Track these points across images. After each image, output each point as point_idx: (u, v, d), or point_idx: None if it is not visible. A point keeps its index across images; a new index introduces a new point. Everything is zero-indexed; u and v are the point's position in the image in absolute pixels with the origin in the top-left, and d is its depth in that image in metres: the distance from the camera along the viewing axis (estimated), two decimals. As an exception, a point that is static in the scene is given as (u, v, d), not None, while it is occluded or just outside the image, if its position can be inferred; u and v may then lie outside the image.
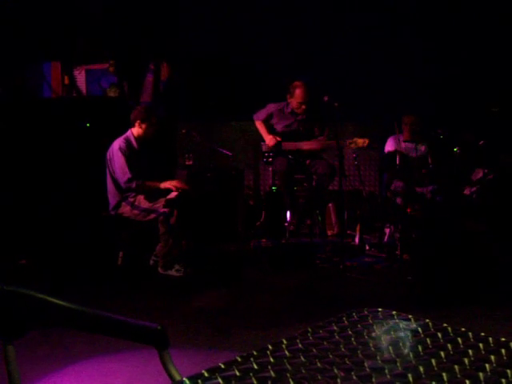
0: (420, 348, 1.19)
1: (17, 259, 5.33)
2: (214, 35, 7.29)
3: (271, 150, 5.98)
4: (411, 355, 1.16)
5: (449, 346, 1.21)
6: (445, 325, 1.32)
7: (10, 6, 6.10)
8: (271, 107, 6.09)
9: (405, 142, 6.12)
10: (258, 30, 7.30)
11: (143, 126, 5.21)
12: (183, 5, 7.17)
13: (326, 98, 5.30)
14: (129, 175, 5.03)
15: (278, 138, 5.92)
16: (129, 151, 5.12)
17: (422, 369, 1.09)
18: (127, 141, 5.17)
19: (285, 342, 1.23)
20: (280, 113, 6.04)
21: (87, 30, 6.61)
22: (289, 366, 1.10)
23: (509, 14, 7.01)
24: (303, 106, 5.91)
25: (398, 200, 5.86)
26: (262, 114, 6.10)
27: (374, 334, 1.28)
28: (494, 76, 7.16)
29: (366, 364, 1.11)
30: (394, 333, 1.29)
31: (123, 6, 6.57)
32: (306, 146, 5.94)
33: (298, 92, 5.88)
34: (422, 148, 6.03)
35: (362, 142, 5.59)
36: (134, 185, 5.04)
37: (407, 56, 7.59)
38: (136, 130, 5.23)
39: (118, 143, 5.14)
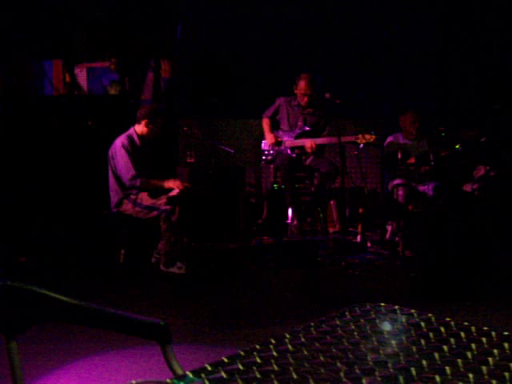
0: (423, 342, 1.19)
1: (16, 257, 5.32)
2: (215, 31, 7.28)
3: (271, 149, 6.03)
4: (414, 349, 1.16)
5: (452, 340, 1.21)
6: (448, 319, 1.32)
7: (12, 3, 6.09)
8: (279, 99, 6.19)
9: (404, 139, 6.13)
10: (260, 26, 7.29)
11: (150, 126, 5.20)
12: (184, 1, 7.16)
13: (328, 95, 5.31)
14: (133, 172, 5.03)
15: (279, 139, 5.99)
16: (132, 148, 5.11)
17: (424, 362, 1.09)
18: (130, 138, 5.17)
19: (288, 336, 1.22)
20: (288, 105, 6.12)
21: (88, 27, 6.61)
22: (292, 360, 1.10)
23: (511, 10, 7.00)
24: (305, 98, 5.97)
25: (400, 197, 5.85)
26: (270, 109, 6.20)
27: (376, 328, 1.28)
28: (496, 72, 7.15)
29: (368, 358, 1.11)
30: (397, 327, 1.29)
31: (124, 2, 6.56)
32: (308, 142, 5.94)
33: (301, 83, 5.97)
34: (423, 145, 6.02)
35: (369, 137, 5.61)
36: (138, 182, 5.03)
37: (409, 53, 7.58)
38: (141, 128, 5.22)
39: (120, 140, 5.13)
